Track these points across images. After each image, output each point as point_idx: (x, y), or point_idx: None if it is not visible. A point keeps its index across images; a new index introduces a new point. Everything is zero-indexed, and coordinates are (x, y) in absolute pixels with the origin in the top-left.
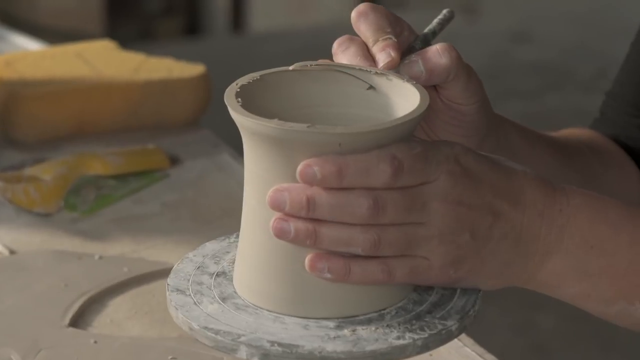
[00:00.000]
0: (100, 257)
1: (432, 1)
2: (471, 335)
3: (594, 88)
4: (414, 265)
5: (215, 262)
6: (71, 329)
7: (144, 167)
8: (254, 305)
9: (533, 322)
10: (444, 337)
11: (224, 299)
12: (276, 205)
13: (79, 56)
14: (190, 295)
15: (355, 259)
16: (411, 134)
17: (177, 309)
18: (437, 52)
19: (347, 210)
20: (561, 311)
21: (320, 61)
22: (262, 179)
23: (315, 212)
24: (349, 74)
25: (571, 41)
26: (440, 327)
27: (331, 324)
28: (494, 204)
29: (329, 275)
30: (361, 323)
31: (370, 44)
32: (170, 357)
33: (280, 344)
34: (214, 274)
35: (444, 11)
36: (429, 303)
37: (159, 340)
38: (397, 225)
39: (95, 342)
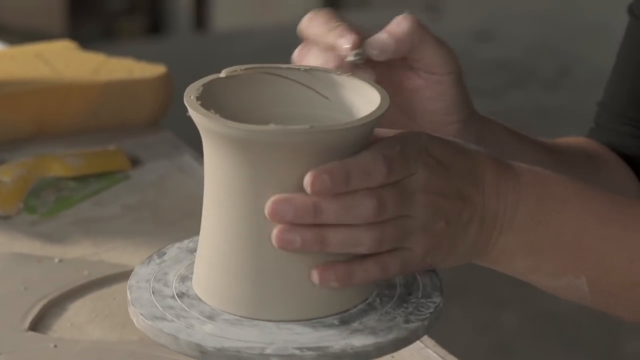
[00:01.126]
0: (60, 260)
1: (396, 0)
2: (433, 335)
3: (557, 86)
4: (404, 258)
5: (164, 285)
6: (31, 333)
7: (104, 168)
8: (238, 316)
9: (496, 321)
10: (438, 314)
11: (210, 317)
12: (278, 217)
13: (38, 57)
14: (174, 320)
15: (354, 261)
16: (372, 133)
17: (175, 334)
18: (396, 22)
19: (354, 212)
20: (524, 310)
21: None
22: (220, 183)
23: (322, 217)
24: (289, 78)
25: (534, 39)
26: (431, 305)
27: (335, 321)
28: (461, 189)
29: (335, 285)
30: (360, 315)
31: (324, 38)
32: None
33: (308, 348)
34: (173, 295)
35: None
36: (400, 285)
37: (120, 344)
38: (394, 220)
39: (55, 346)
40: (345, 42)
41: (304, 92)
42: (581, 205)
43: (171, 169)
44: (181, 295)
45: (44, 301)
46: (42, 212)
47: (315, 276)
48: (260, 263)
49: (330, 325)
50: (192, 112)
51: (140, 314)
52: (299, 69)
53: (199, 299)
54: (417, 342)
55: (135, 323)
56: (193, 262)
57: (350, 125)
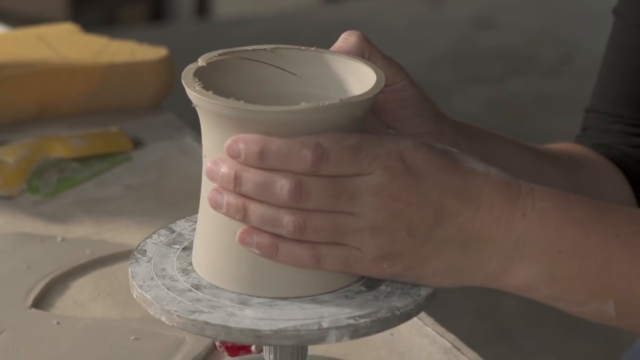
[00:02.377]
0: (63, 239)
1: None
2: (435, 319)
3: (557, 73)
4: (346, 255)
5: (172, 280)
6: (34, 310)
7: (106, 149)
8: (267, 297)
9: (497, 307)
10: (426, 303)
11: (243, 303)
12: (210, 176)
13: (41, 39)
14: (211, 311)
15: (285, 239)
16: (359, 122)
17: (225, 324)
18: (343, 38)
19: (269, 191)
20: (526, 297)
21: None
22: (208, 153)
23: (242, 188)
24: (259, 60)
25: (534, 27)
26: (422, 292)
27: (362, 287)
28: (438, 203)
29: (256, 251)
30: (356, 294)
31: None
32: (132, 337)
33: (359, 316)
34: (190, 289)
35: None
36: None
37: (122, 321)
38: (324, 212)
39: (58, 323)
40: None
41: (274, 72)
42: (606, 230)
43: (173, 150)
44: (197, 287)
45: (47, 279)
46: (45, 192)
47: (237, 234)
48: (231, 234)
49: (360, 292)
50: (189, 92)
51: (175, 311)
52: (265, 49)
53: (217, 287)
54: (416, 320)
55: (167, 321)
56: (180, 255)
57: (345, 102)
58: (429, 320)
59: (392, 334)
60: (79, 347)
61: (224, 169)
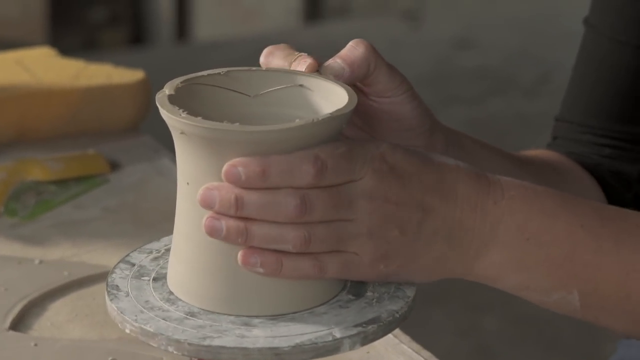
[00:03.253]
0: (41, 262)
1: (375, 8)
2: (414, 338)
3: (536, 93)
4: (345, 261)
5: (162, 311)
6: (11, 332)
7: (84, 172)
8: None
9: (477, 325)
10: (413, 304)
11: (247, 324)
12: (206, 204)
13: (18, 63)
14: (221, 335)
15: (287, 254)
16: (340, 132)
17: (241, 346)
18: (351, 47)
19: (275, 210)
20: (505, 314)
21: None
22: (193, 179)
23: (244, 211)
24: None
25: (513, 47)
26: (408, 293)
27: (350, 296)
28: (423, 200)
29: (261, 270)
30: (348, 303)
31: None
32: (110, 358)
33: (365, 323)
34: (187, 317)
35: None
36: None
37: (100, 342)
38: (326, 222)
39: (36, 344)
40: (302, 68)
41: (231, 95)
42: (572, 219)
43: (150, 172)
44: (192, 314)
45: (25, 301)
46: (23, 215)
47: (239, 257)
48: (231, 259)
49: (350, 301)
50: (163, 112)
51: (184, 340)
52: (219, 73)
53: (212, 312)
54: (393, 337)
55: (176, 350)
56: (155, 286)
57: (296, 125)
58: (405, 337)
59: (368, 352)
60: None
61: (222, 194)
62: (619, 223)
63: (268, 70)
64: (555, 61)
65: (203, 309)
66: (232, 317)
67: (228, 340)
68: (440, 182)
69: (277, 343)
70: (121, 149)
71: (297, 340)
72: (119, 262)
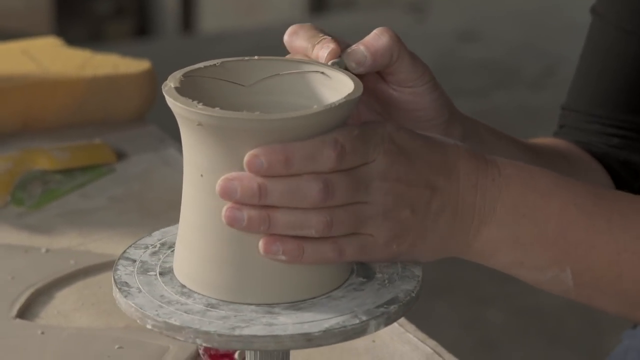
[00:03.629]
0: (47, 251)
1: (380, 1)
2: (421, 330)
3: (541, 85)
4: (362, 243)
5: (181, 305)
6: (18, 321)
7: (90, 161)
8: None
9: (482, 317)
10: (421, 283)
11: (270, 312)
12: (227, 194)
13: (24, 53)
14: (248, 325)
15: (308, 240)
16: (348, 118)
17: (272, 334)
18: (375, 35)
19: (298, 195)
20: (509, 307)
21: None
22: (209, 170)
23: (267, 199)
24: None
25: (517, 40)
26: (416, 272)
27: (361, 278)
28: (430, 179)
29: (283, 257)
30: (361, 285)
31: (309, 52)
32: (117, 346)
33: (386, 304)
34: (208, 308)
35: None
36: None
37: (106, 330)
38: (346, 205)
39: (43, 333)
40: (325, 53)
41: (227, 86)
42: (566, 198)
43: (156, 162)
44: (212, 305)
45: (31, 290)
46: (29, 204)
47: (261, 246)
48: (240, 248)
49: (363, 283)
50: (169, 100)
51: (214, 331)
52: (214, 65)
53: (233, 302)
54: (398, 327)
55: (206, 342)
56: (164, 280)
57: (315, 111)
58: (411, 327)
59: (374, 341)
60: (63, 357)
61: (244, 184)
62: (612, 203)
63: (260, 59)
64: (559, 54)
65: (222, 300)
66: (253, 306)
67: (257, 329)
68: (444, 161)
69: (306, 329)
70: (127, 139)
71: (326, 324)
72: (118, 259)
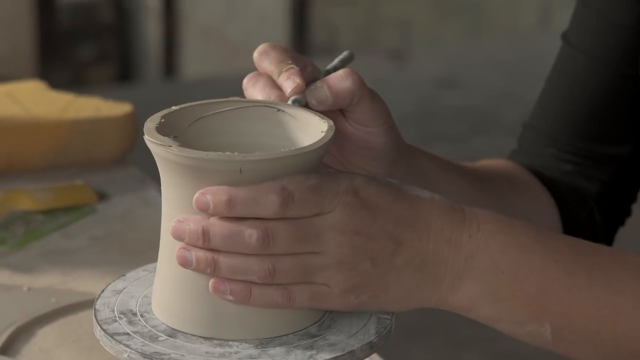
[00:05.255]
0: (29, 289)
1: (361, 46)
2: None
3: (518, 132)
4: (315, 291)
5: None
6: (0, 357)
7: (72, 202)
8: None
9: (457, 358)
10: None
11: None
12: (177, 236)
13: (8, 96)
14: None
15: (256, 283)
16: (317, 163)
17: None
18: (340, 77)
19: (238, 241)
20: (487, 350)
21: (231, 98)
22: (172, 206)
23: (211, 243)
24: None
25: (497, 87)
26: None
27: (312, 329)
28: (395, 232)
29: (231, 298)
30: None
31: (275, 77)
32: None
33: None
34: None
35: (345, 52)
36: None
37: None
38: (292, 254)
39: None
40: (289, 86)
41: (271, 125)
42: (547, 255)
43: (137, 202)
44: (173, 333)
45: (13, 327)
46: (12, 244)
47: (210, 285)
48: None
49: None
50: (147, 139)
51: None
52: (274, 107)
53: (225, 339)
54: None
55: None
56: (143, 335)
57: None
58: None
59: None
60: None
61: (190, 226)
62: (592, 258)
63: (225, 101)
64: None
65: (222, 339)
66: (246, 344)
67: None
68: (413, 215)
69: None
70: (108, 180)
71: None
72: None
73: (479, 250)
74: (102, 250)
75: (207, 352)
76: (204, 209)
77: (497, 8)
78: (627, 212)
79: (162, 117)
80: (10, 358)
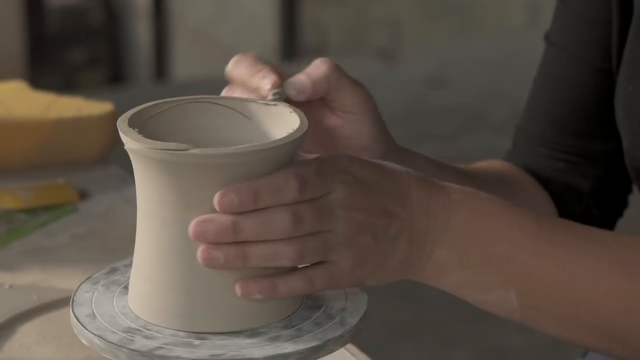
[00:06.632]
0: (11, 286)
1: (351, 48)
2: None
3: (508, 130)
4: (331, 271)
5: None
6: None
7: (53, 201)
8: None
9: (448, 358)
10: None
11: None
12: (201, 237)
13: None
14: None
15: (278, 275)
16: (294, 154)
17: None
18: (315, 65)
19: (271, 228)
20: (476, 347)
21: (199, 96)
22: (159, 201)
23: (241, 235)
24: (225, 105)
25: (485, 86)
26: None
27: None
28: (386, 206)
29: (259, 296)
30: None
31: (248, 81)
32: None
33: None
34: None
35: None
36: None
37: None
38: (314, 234)
39: None
40: (266, 84)
41: (243, 122)
42: (511, 221)
43: (118, 201)
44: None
45: None
46: None
47: (238, 289)
48: (192, 278)
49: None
50: (122, 136)
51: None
52: (247, 101)
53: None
54: (351, 356)
55: None
56: (118, 333)
57: (267, 146)
58: (363, 357)
59: None
60: None
61: (218, 223)
62: (554, 228)
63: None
64: (525, 99)
65: (177, 329)
66: (242, 336)
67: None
68: (396, 188)
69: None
70: (90, 179)
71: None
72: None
73: (450, 218)
74: (84, 248)
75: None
76: (232, 209)
77: (486, 7)
78: (624, 204)
79: (130, 115)
80: None
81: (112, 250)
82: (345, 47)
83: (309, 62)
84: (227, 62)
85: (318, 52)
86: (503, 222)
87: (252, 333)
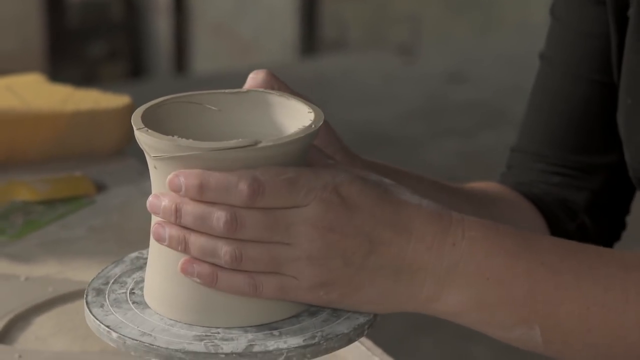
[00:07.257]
0: (27, 278)
1: (370, 43)
2: None
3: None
4: (282, 283)
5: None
6: None
7: (70, 193)
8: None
9: (468, 354)
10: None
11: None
12: (153, 210)
13: (8, 89)
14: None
15: (224, 269)
16: (300, 155)
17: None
18: (251, 76)
19: (207, 222)
20: (495, 343)
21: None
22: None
23: (182, 220)
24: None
25: (505, 82)
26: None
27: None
28: (373, 234)
29: (198, 280)
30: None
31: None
32: None
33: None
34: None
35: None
36: None
37: (82, 354)
38: (261, 243)
39: (20, 356)
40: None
41: (262, 115)
42: (532, 257)
43: (134, 193)
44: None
45: (10, 316)
46: (11, 234)
47: (179, 264)
48: None
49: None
50: (136, 132)
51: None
52: (180, 96)
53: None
54: (366, 350)
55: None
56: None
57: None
58: (377, 350)
59: None
60: None
61: (165, 202)
62: (579, 257)
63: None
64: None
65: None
66: (247, 329)
67: (269, 344)
68: (395, 219)
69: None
70: (107, 172)
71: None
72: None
73: (462, 257)
74: (100, 241)
75: (194, 336)
76: (176, 191)
77: (506, 3)
78: (622, 225)
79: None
80: (7, 345)
81: (129, 242)
82: (365, 42)
83: (328, 56)
84: (247, 56)
85: (337, 47)
86: (524, 259)
87: (293, 320)
